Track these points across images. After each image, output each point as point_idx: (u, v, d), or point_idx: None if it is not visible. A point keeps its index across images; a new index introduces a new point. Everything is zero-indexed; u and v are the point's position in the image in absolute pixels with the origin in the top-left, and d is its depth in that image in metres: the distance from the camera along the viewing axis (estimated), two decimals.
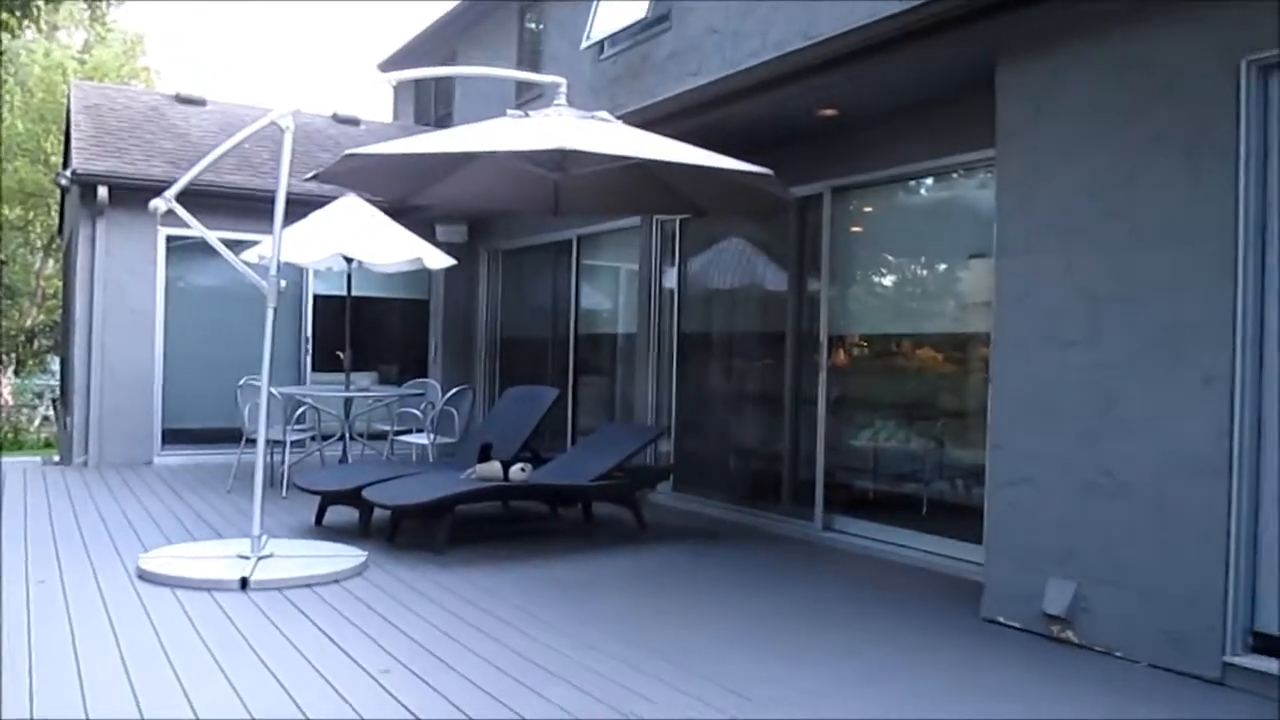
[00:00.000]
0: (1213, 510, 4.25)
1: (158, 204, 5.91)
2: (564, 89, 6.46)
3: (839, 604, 5.53)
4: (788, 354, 7.76)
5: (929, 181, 6.92)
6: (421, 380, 11.04)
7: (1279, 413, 4.18)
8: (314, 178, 6.33)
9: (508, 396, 8.93)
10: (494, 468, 6.98)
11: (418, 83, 16.85)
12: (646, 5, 10.29)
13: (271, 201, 6.07)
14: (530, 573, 6.04)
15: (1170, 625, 4.37)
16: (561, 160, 6.42)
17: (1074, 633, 4.73)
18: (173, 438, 10.79)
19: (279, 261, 5.99)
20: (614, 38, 11.15)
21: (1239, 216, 4.22)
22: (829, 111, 6.68)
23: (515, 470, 6.96)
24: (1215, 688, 4.19)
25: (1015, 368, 5.11)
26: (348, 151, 5.81)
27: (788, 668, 4.40)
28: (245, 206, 10.30)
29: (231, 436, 9.29)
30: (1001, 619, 5.05)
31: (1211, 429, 4.27)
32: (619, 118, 7.46)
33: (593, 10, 11.24)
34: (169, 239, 10.64)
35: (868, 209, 7.40)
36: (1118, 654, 4.55)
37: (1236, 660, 4.18)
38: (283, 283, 6.01)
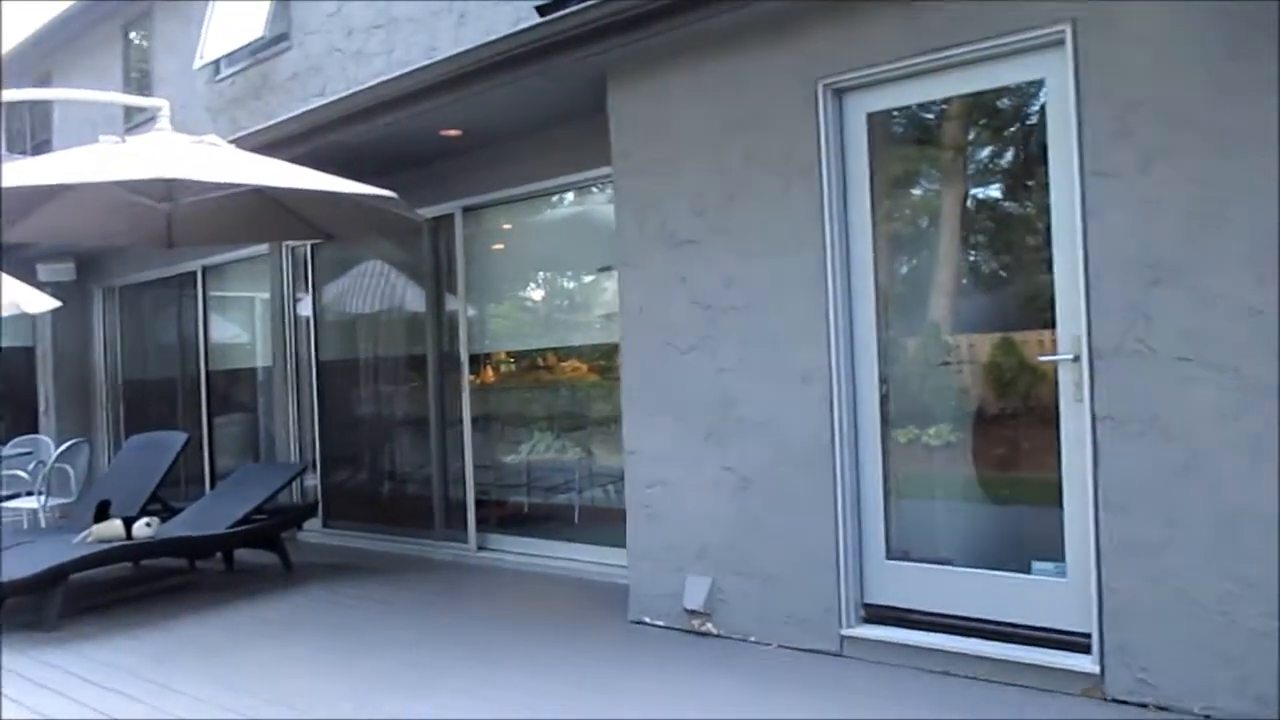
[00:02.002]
0: (822, 497, 4.62)
1: None
2: (166, 112, 5.99)
3: (489, 625, 5.49)
4: (430, 375, 7.67)
5: (561, 197, 7.07)
6: (31, 436, 9.92)
7: (872, 404, 4.63)
8: None
9: (130, 446, 8.20)
10: (114, 527, 6.35)
11: (8, 107, 15.14)
12: (264, 23, 9.82)
13: None
14: (161, 637, 5.55)
15: (794, 607, 4.71)
16: (168, 189, 5.95)
17: (713, 624, 4.99)
18: None
19: None
20: (231, 57, 10.55)
21: (825, 228, 4.62)
22: (452, 132, 6.65)
23: (140, 527, 6.38)
24: (836, 659, 4.56)
25: (643, 375, 5.31)
26: None
27: (431, 700, 4.31)
28: None
29: None
30: (648, 619, 5.24)
31: (815, 423, 4.65)
32: (239, 140, 7.05)
33: (204, 28, 10.58)
34: None
35: (503, 226, 7.45)
36: (752, 639, 4.85)
37: (852, 632, 4.57)
38: None
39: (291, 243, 8.52)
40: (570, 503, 7.12)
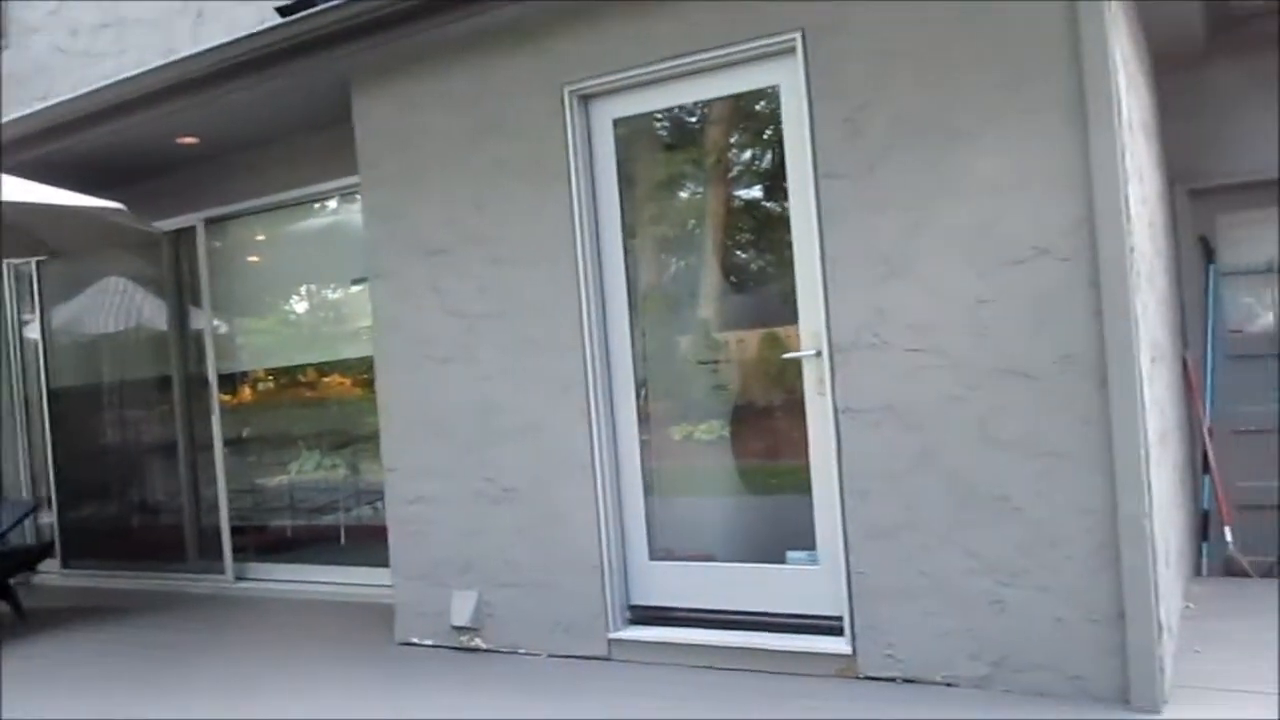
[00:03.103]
0: (583, 503, 4.63)
1: None
2: None
3: (247, 660, 5.19)
4: (177, 397, 7.22)
5: (315, 207, 6.78)
6: None
7: (630, 407, 4.67)
8: None
9: None
10: None
11: None
12: None
13: None
14: None
15: (561, 615, 4.69)
16: None
17: (482, 639, 4.90)
18: None
19: None
20: None
21: (576, 235, 4.62)
22: (189, 139, 6.28)
23: None
24: (604, 663, 4.57)
25: (400, 389, 5.17)
26: None
27: None
28: None
29: None
30: (415, 639, 5.10)
31: (574, 429, 4.64)
32: None
33: None
34: None
35: (254, 238, 7.09)
36: (522, 650, 4.80)
37: (619, 635, 4.59)
38: None
39: (14, 260, 7.82)
40: (336, 524, 6.86)
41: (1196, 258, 6.15)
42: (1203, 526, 5.81)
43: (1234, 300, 6.20)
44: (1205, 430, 5.81)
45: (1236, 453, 6.05)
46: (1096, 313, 3.60)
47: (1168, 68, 5.76)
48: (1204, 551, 5.79)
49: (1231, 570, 5.60)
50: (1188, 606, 4.75)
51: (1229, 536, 5.70)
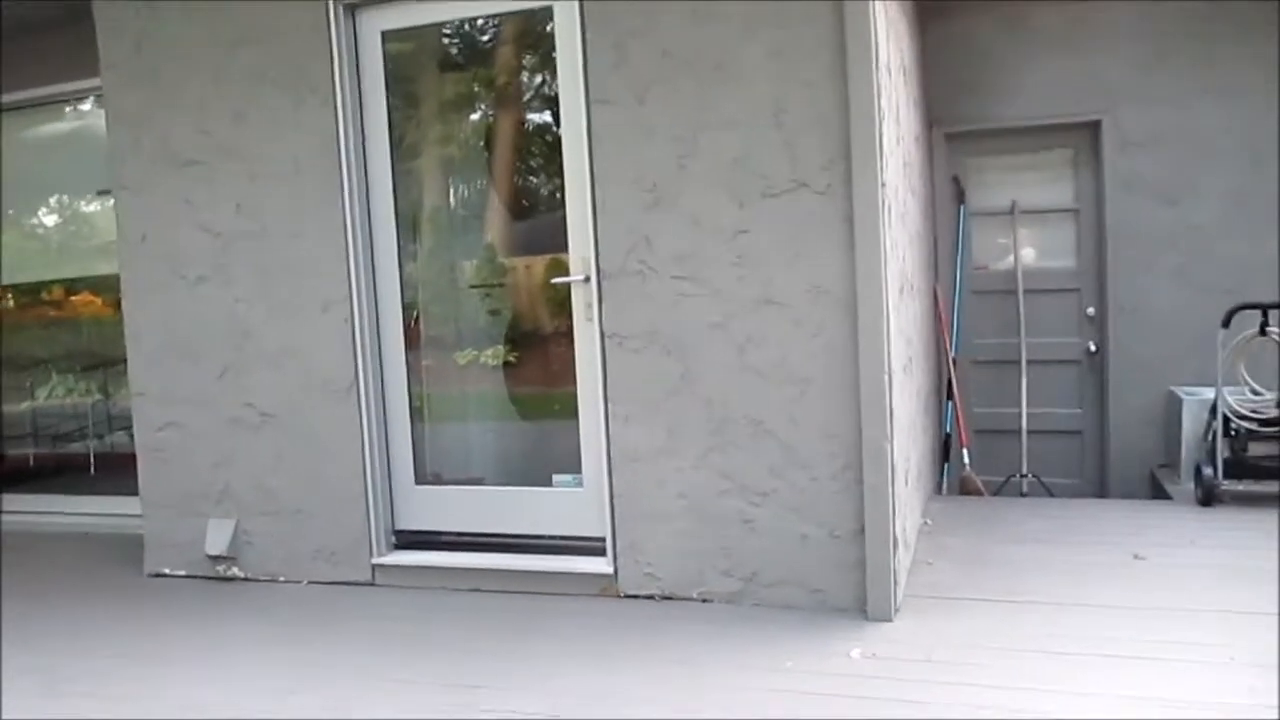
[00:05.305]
0: (347, 428, 4.52)
1: None
2: None
3: None
4: None
5: (61, 110, 6.23)
6: None
7: (396, 332, 4.57)
8: None
9: None
10: None
11: None
12: None
13: None
14: None
15: (323, 541, 4.60)
16: None
17: (239, 568, 4.75)
18: None
19: None
20: None
21: (340, 152, 4.43)
22: None
23: None
24: (368, 589, 4.52)
25: (148, 310, 4.86)
26: None
27: None
28: None
29: None
30: (167, 570, 4.89)
31: (337, 353, 4.51)
32: None
33: None
34: None
35: None
36: (281, 579, 4.68)
37: (383, 560, 4.54)
38: None
39: None
40: (85, 451, 6.45)
41: (949, 198, 6.54)
42: (944, 448, 6.26)
43: (981, 239, 6.65)
44: (950, 360, 6.23)
45: (976, 381, 6.54)
46: (848, 245, 3.76)
47: (933, 16, 6.03)
48: (945, 471, 6.25)
49: (966, 489, 6.07)
50: (925, 522, 5.12)
51: (965, 458, 6.17)
